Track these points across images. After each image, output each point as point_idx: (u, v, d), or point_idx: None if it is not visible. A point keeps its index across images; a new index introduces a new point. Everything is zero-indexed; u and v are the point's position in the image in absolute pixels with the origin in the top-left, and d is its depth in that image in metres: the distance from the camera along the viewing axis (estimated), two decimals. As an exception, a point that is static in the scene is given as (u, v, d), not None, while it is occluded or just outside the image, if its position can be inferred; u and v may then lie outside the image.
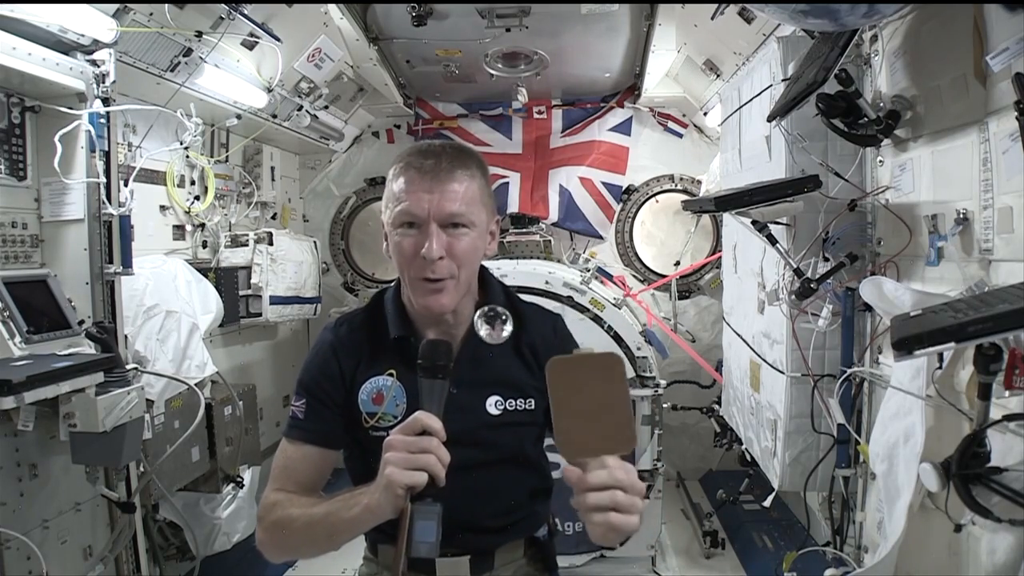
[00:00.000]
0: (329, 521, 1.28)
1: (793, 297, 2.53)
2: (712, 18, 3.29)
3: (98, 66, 2.57)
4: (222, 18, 3.09)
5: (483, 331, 1.37)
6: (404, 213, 1.35)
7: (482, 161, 1.46)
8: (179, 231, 3.86)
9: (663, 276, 5.14)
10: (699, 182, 4.87)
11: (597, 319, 3.55)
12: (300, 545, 1.36)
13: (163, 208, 3.71)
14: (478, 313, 1.38)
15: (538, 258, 4.69)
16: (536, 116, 5.20)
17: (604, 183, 5.16)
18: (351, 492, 1.27)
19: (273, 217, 4.91)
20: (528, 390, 1.48)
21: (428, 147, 1.43)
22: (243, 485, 3.59)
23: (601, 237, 5.23)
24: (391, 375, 1.42)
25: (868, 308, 2.46)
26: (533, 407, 1.48)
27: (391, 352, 1.44)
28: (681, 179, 5.18)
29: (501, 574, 1.51)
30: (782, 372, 2.72)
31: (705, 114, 4.67)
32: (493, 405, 1.46)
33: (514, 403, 1.46)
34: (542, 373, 1.44)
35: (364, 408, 1.42)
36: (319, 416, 1.42)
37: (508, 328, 1.37)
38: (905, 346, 1.35)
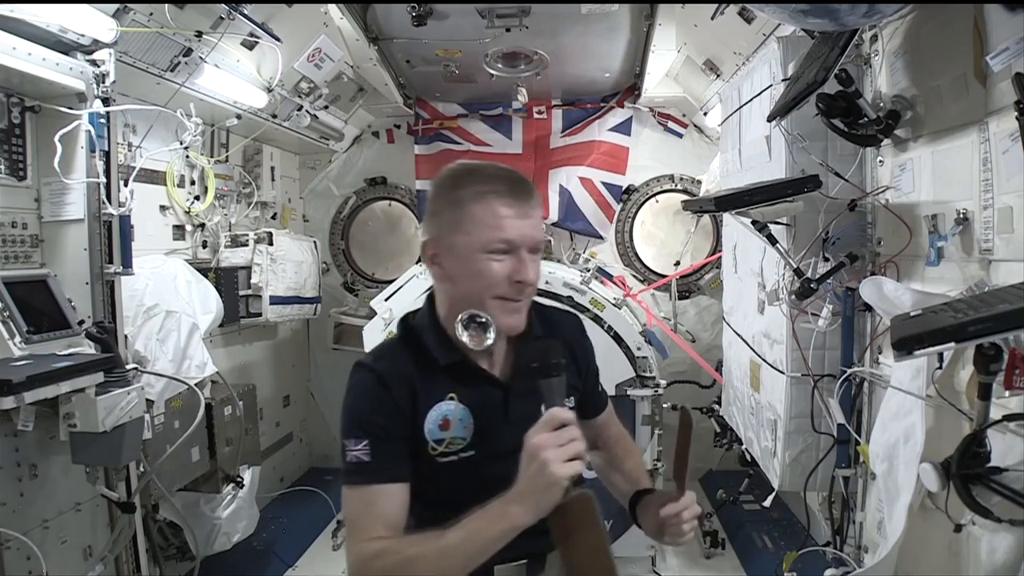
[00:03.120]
0: (467, 547, 1.24)
1: (793, 297, 2.53)
2: (712, 18, 3.29)
3: (98, 66, 2.57)
4: (222, 18, 3.09)
5: (465, 337, 1.38)
6: (502, 241, 1.35)
7: None
8: (179, 231, 3.86)
9: (663, 276, 5.14)
10: (699, 182, 4.87)
11: (597, 319, 3.55)
12: None
13: (163, 208, 3.71)
14: (460, 318, 1.39)
15: (538, 258, 4.67)
16: (536, 116, 5.20)
17: (604, 183, 5.16)
18: (477, 514, 1.24)
19: (273, 217, 4.91)
20: (570, 390, 1.53)
21: (504, 172, 1.41)
22: (243, 485, 3.59)
23: (601, 237, 5.23)
24: (452, 399, 1.41)
25: (868, 308, 2.46)
26: (574, 404, 1.54)
27: (444, 377, 1.42)
28: (681, 179, 5.18)
29: (549, 574, 1.52)
30: (782, 372, 2.72)
31: (705, 114, 4.67)
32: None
33: (567, 402, 1.49)
34: (578, 371, 1.57)
35: (431, 437, 1.39)
36: (388, 453, 1.37)
37: (491, 335, 1.39)
38: (905, 346, 1.35)
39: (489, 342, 1.39)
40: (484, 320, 1.39)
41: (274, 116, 4.10)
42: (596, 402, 1.69)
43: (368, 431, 1.36)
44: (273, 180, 4.76)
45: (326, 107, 4.51)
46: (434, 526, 1.29)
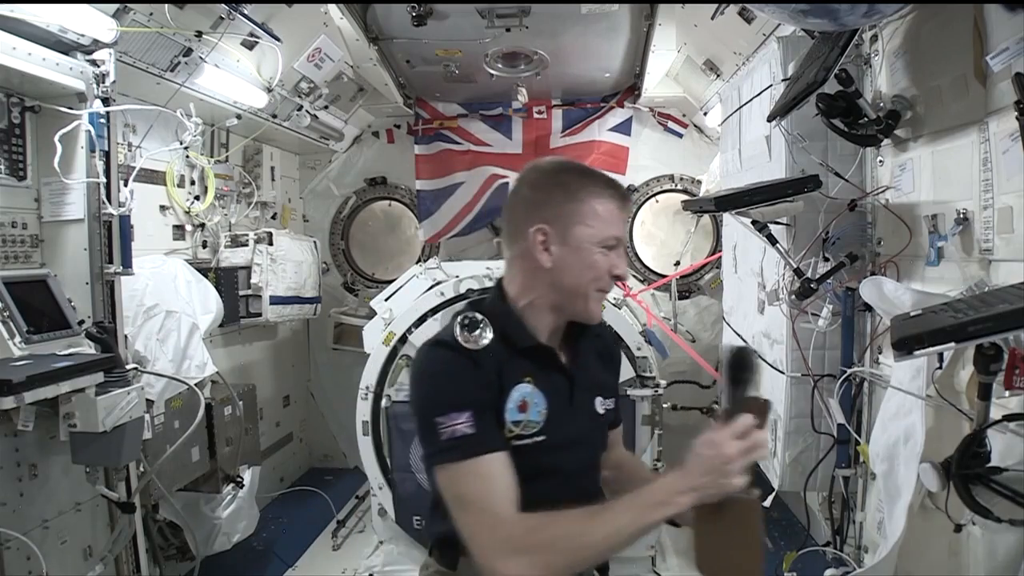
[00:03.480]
0: (634, 526, 1.26)
1: (793, 297, 2.53)
2: (712, 18, 3.29)
3: (98, 66, 2.56)
4: (222, 18, 3.09)
5: (461, 338, 1.39)
6: (614, 237, 1.44)
7: None
8: (179, 231, 3.86)
9: (663, 276, 5.13)
10: (699, 182, 4.87)
11: (597, 319, 3.54)
12: (596, 557, 1.33)
13: (163, 208, 3.71)
14: (460, 320, 1.41)
15: (538, 258, 4.66)
16: (536, 116, 5.20)
17: (604, 183, 5.15)
18: (635, 498, 1.27)
19: (273, 217, 4.91)
20: (613, 391, 1.63)
21: (607, 176, 1.49)
22: (243, 485, 3.59)
23: (601, 237, 5.22)
24: (529, 382, 1.42)
25: (868, 308, 2.46)
26: (614, 406, 1.61)
27: (520, 361, 1.44)
28: (681, 179, 5.18)
29: None
30: (782, 372, 2.72)
31: (705, 114, 4.67)
32: (599, 406, 1.56)
33: (610, 403, 1.59)
34: (616, 371, 1.72)
35: (510, 417, 1.40)
36: (489, 423, 1.36)
37: (488, 335, 1.40)
38: (905, 346, 1.35)
39: (485, 341, 1.40)
40: (469, 320, 1.40)
41: (274, 116, 4.10)
42: (618, 413, 1.72)
43: (468, 403, 1.33)
44: (273, 180, 4.77)
45: (326, 107, 4.51)
46: None
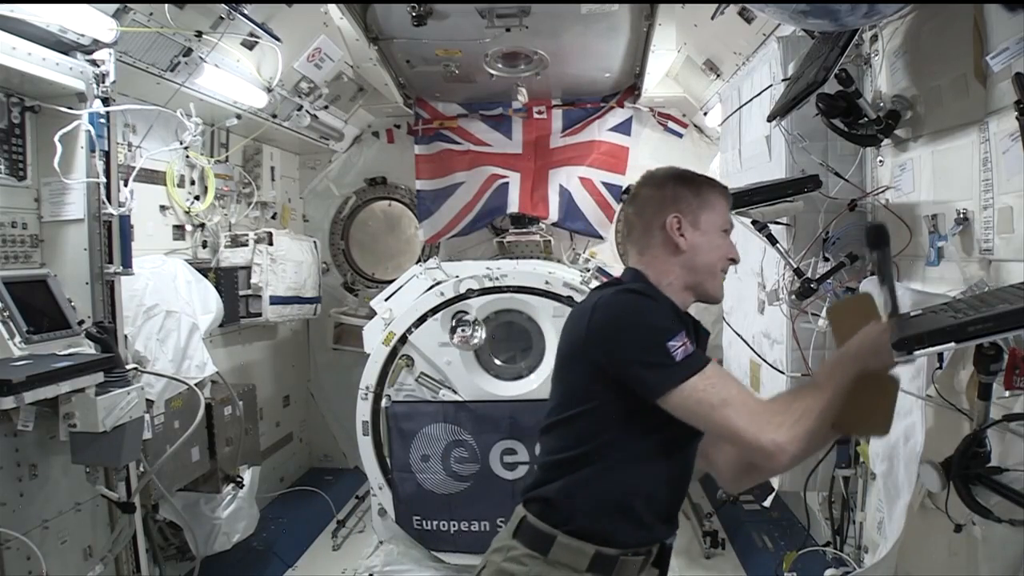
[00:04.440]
0: (841, 388, 1.44)
1: (793, 297, 2.53)
2: (712, 18, 3.29)
3: (98, 66, 2.57)
4: (222, 18, 3.10)
5: (456, 339, 1.41)
6: (729, 222, 1.71)
7: None
8: (179, 231, 3.86)
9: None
10: (699, 182, 4.87)
11: (597, 319, 3.54)
12: (829, 422, 1.46)
13: (163, 208, 3.71)
14: (455, 321, 1.44)
15: (538, 258, 4.69)
16: (536, 116, 5.20)
17: (604, 183, 5.15)
18: (827, 370, 1.50)
19: (273, 217, 4.91)
20: None
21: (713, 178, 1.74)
22: (243, 485, 3.59)
23: (601, 237, 5.22)
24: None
25: (868, 308, 2.46)
26: None
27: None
28: (681, 179, 5.18)
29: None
30: (782, 372, 2.72)
31: (705, 114, 4.67)
32: None
33: None
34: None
35: None
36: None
37: (480, 335, 1.43)
38: (905, 346, 1.35)
39: (477, 341, 1.42)
40: (459, 317, 1.42)
41: (274, 116, 4.10)
42: None
43: (682, 329, 1.49)
44: (273, 180, 4.76)
45: (326, 107, 4.51)
46: (634, 444, 1.52)
